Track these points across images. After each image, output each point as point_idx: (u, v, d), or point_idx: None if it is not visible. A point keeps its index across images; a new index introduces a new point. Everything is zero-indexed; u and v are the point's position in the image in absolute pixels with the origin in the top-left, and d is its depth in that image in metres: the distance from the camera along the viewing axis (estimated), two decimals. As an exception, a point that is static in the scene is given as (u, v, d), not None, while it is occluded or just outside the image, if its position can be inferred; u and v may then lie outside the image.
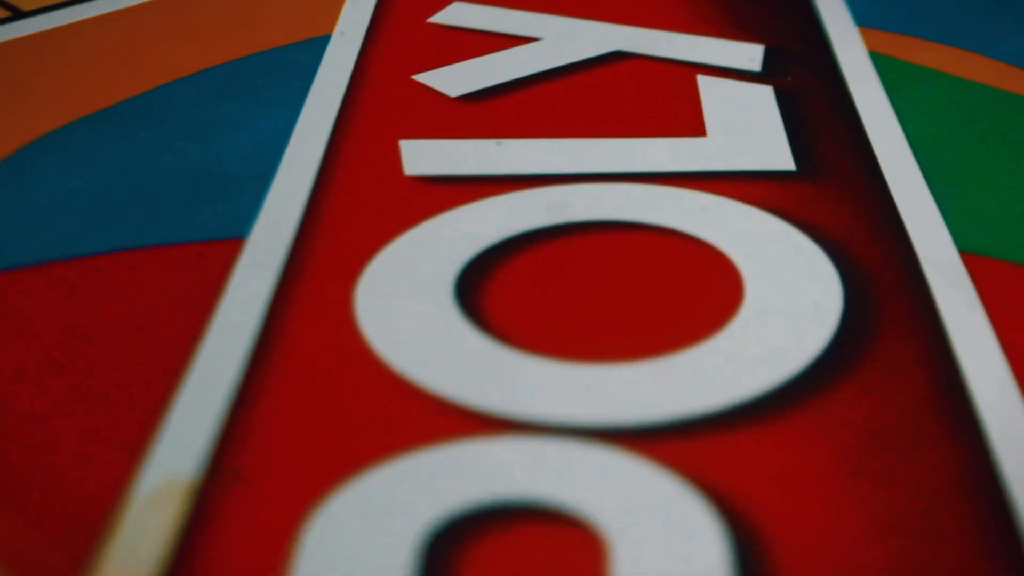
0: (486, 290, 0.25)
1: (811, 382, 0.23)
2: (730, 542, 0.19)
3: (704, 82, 0.32)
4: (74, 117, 0.31)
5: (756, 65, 0.33)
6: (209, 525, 0.19)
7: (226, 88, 0.32)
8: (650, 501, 0.20)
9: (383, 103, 0.31)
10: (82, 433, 0.21)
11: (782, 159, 0.29)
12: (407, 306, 0.24)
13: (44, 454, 0.20)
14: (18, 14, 0.36)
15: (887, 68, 0.33)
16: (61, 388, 0.22)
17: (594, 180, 0.28)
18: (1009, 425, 0.21)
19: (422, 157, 0.29)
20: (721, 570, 0.19)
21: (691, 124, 0.31)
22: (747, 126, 0.30)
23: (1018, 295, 0.25)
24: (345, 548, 0.19)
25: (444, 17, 0.35)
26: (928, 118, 0.30)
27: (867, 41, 0.34)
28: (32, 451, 0.21)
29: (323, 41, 0.34)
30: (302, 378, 0.22)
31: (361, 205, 0.27)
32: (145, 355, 0.23)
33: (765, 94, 0.31)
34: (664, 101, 0.31)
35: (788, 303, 0.24)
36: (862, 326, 0.24)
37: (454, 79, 0.32)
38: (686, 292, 0.25)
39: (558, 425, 0.21)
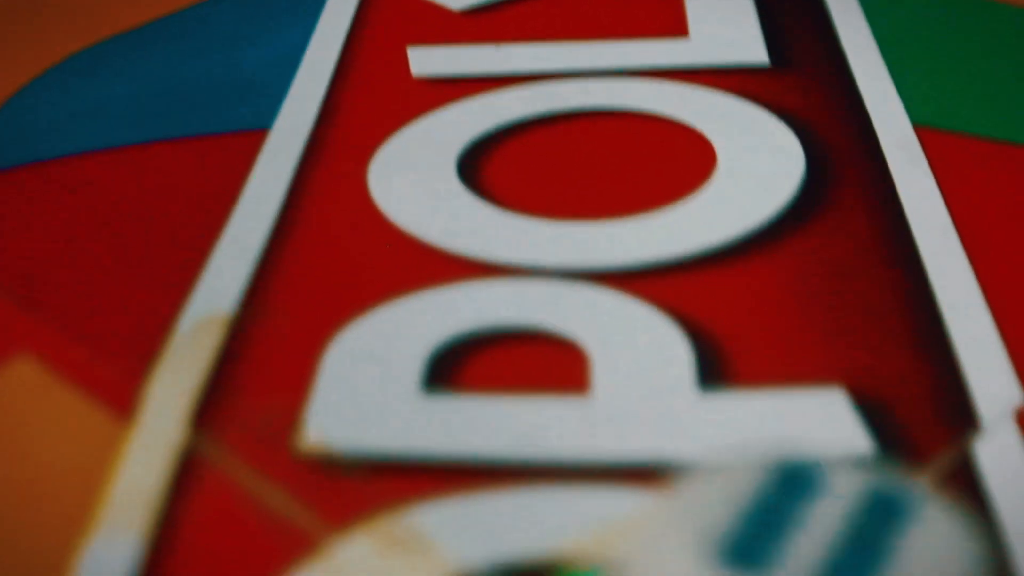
0: (485, 165, 0.28)
1: (774, 230, 0.25)
2: (696, 356, 0.22)
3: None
4: (102, 38, 0.34)
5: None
6: (242, 351, 0.22)
7: (246, 8, 0.35)
8: (627, 325, 0.23)
9: (392, 17, 0.34)
10: (131, 283, 0.24)
11: (757, 54, 0.32)
12: (415, 178, 0.27)
13: (100, 299, 0.24)
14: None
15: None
16: (115, 249, 0.25)
17: (584, 76, 0.31)
18: (946, 257, 0.24)
19: (428, 61, 0.32)
20: (689, 378, 0.22)
21: (675, 27, 0.33)
22: (726, 27, 0.33)
23: (960, 160, 0.28)
24: (361, 367, 0.22)
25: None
26: (892, 9, 0.33)
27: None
28: (90, 296, 0.24)
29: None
30: (322, 236, 0.25)
31: (373, 100, 0.30)
32: (185, 220, 0.26)
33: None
34: (651, 7, 0.34)
35: (755, 169, 0.27)
36: (821, 186, 0.27)
37: (456, -6, 0.35)
38: (665, 163, 0.28)
39: (548, 268, 0.24)
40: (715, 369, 0.22)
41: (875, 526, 0.14)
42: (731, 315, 0.23)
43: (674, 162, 0.28)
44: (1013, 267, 0.25)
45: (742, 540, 0.14)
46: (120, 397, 0.21)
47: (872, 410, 0.21)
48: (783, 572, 0.13)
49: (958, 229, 0.26)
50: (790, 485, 0.14)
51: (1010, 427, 0.21)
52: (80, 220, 0.26)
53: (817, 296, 0.24)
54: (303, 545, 0.18)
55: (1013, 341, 0.23)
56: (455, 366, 0.22)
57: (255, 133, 0.29)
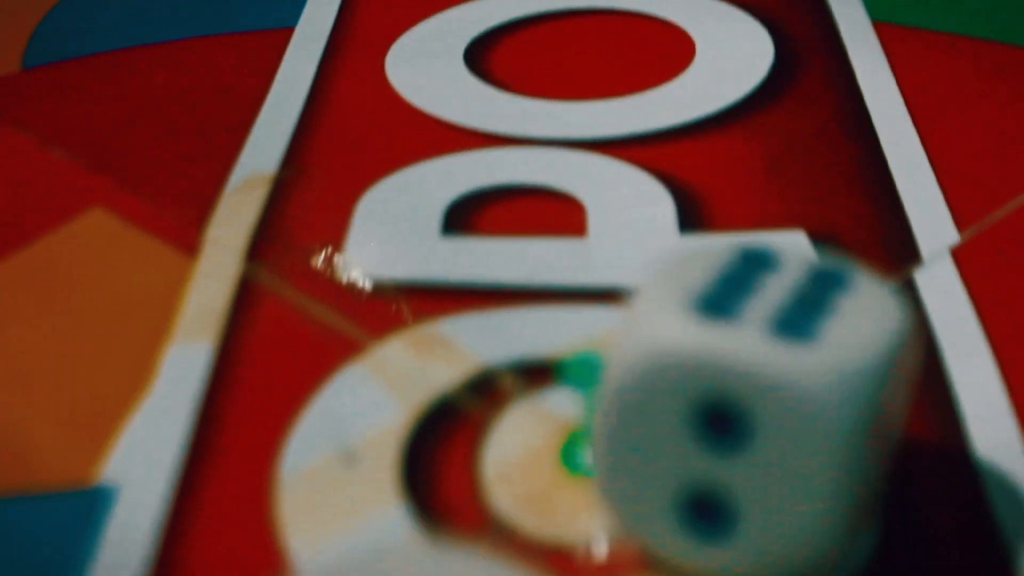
0: (490, 55, 0.31)
1: (745, 107, 0.29)
2: (677, 207, 0.26)
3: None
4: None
5: None
6: (286, 202, 0.26)
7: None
8: (618, 182, 0.27)
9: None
10: (185, 149, 0.27)
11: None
12: (428, 64, 0.30)
13: (158, 163, 0.27)
14: None
15: None
16: (168, 123, 0.28)
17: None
18: (897, 130, 0.28)
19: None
20: (671, 224, 0.25)
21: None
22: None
23: (914, 50, 0.31)
24: (389, 215, 0.25)
25: None
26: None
27: None
28: (149, 161, 0.27)
29: None
30: (348, 113, 0.29)
31: (387, 1, 0.34)
32: (226, 101, 0.29)
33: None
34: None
35: (729, 57, 0.31)
36: (788, 72, 0.30)
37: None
38: (650, 53, 0.31)
39: (546, 139, 0.28)
40: (693, 217, 0.26)
41: (818, 290, 0.18)
42: (708, 175, 0.27)
43: (658, 52, 0.31)
44: (957, 137, 0.28)
45: (714, 297, 0.17)
46: (184, 239, 0.25)
47: (828, 248, 0.25)
48: (745, 320, 0.17)
49: (909, 107, 0.29)
50: (752, 261, 0.18)
51: (946, 261, 0.24)
52: (135, 101, 0.29)
53: (783, 160, 0.27)
54: (350, 349, 0.22)
55: (953, 195, 0.26)
56: (470, 215, 0.26)
57: (282, 31, 0.32)
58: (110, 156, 0.27)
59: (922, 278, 0.24)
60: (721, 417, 0.17)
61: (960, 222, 0.26)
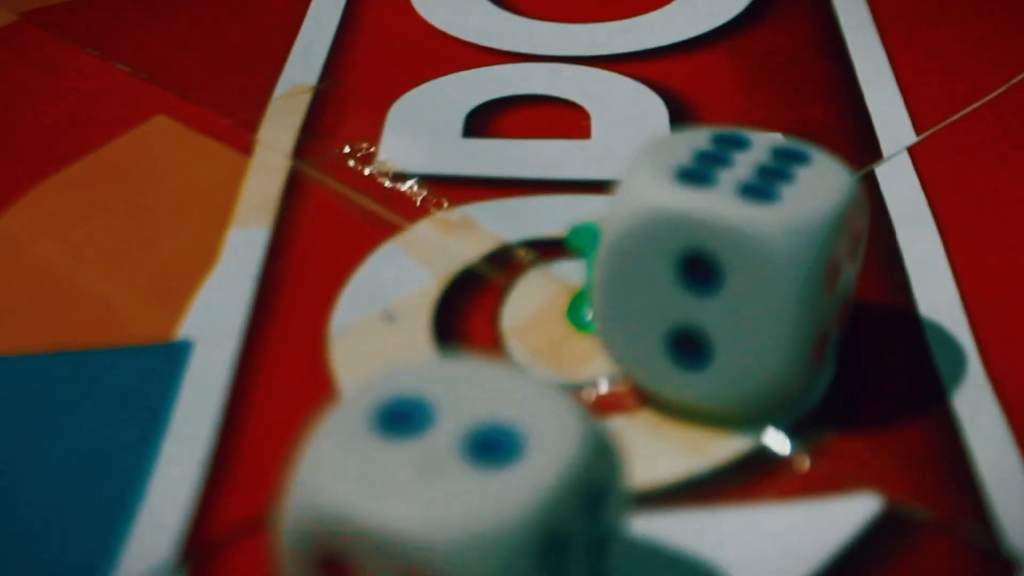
0: (504, -17, 0.35)
1: (730, 29, 0.33)
2: (669, 112, 0.30)
3: None
4: None
5: None
6: (326, 107, 0.29)
7: None
8: (619, 93, 0.30)
9: None
10: (234, 62, 0.31)
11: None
12: (448, -8, 0.34)
13: (211, 74, 0.31)
14: None
15: None
16: (216, 38, 0.32)
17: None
18: (867, 50, 0.31)
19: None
20: (664, 129, 0.29)
21: None
22: None
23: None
24: (416, 119, 0.29)
25: None
26: None
27: None
28: (203, 72, 0.31)
29: None
30: (377, 36, 0.32)
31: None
32: (267, 25, 0.33)
33: None
34: None
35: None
36: (771, 3, 0.34)
37: None
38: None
39: (555, 56, 0.31)
40: (683, 122, 0.29)
41: (780, 163, 0.21)
42: (696, 87, 0.30)
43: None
44: (921, 54, 0.32)
45: (692, 169, 0.21)
46: (239, 140, 0.28)
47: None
48: (717, 186, 0.20)
49: (879, 28, 0.33)
50: (725, 142, 0.22)
51: (904, 157, 0.28)
52: (190, 19, 0.33)
53: (763, 74, 0.31)
54: (386, 229, 0.26)
55: (913, 103, 0.30)
56: (488, 121, 0.29)
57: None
58: (169, 69, 0.31)
59: (881, 171, 0.27)
60: (698, 265, 0.20)
61: (918, 127, 0.29)
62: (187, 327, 0.24)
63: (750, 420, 0.21)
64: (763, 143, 0.21)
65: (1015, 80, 0.30)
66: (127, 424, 0.22)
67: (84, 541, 0.20)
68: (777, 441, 0.21)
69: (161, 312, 0.24)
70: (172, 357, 0.23)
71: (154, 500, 0.20)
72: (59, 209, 0.26)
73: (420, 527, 0.16)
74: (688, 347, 0.21)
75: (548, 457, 0.16)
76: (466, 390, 0.17)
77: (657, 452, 0.21)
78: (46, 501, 0.20)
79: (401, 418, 0.17)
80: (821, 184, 0.21)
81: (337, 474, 0.16)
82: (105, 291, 0.24)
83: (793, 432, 0.21)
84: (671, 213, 0.20)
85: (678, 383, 0.21)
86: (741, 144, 0.21)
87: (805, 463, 0.21)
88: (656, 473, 0.21)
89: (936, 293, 0.24)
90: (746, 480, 0.21)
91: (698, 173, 0.21)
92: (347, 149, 0.28)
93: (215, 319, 0.24)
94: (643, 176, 0.20)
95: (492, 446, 0.17)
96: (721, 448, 0.21)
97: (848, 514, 0.20)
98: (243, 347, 0.23)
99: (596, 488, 0.17)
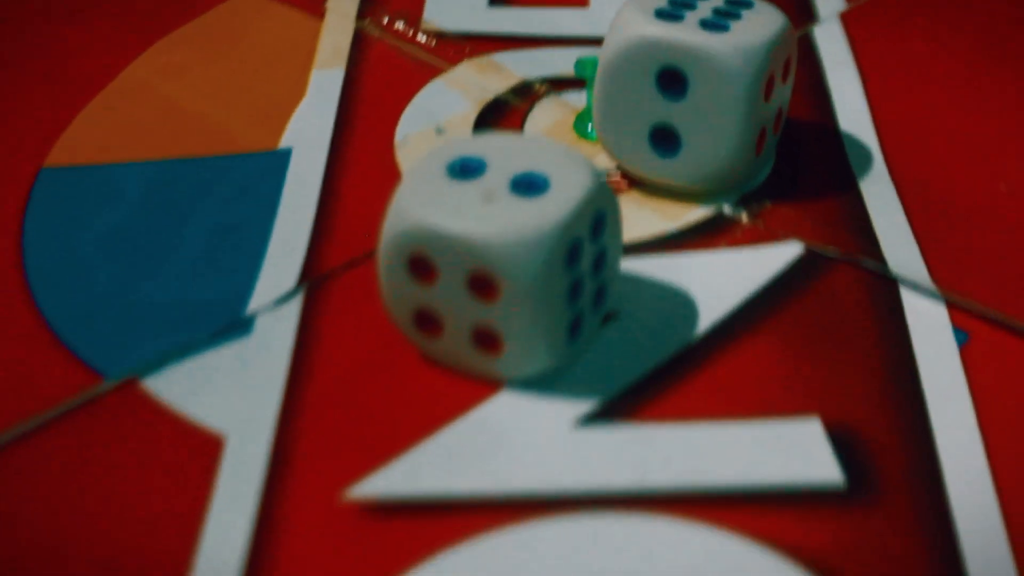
0: None
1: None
2: None
3: None
4: None
5: None
6: (370, 47, 0.37)
7: None
8: (610, -28, 0.38)
9: None
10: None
11: None
12: None
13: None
14: None
15: None
16: None
17: None
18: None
19: None
20: None
21: None
22: None
23: None
24: (451, -5, 0.37)
25: None
26: None
27: None
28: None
29: None
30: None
31: None
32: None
33: None
34: None
35: None
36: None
37: None
38: None
39: None
40: None
41: (733, 8, 0.29)
42: None
43: None
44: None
45: (667, 10, 0.29)
46: (314, 8, 0.36)
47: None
48: (685, 21, 0.28)
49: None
50: None
51: (835, 22, 0.36)
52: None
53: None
54: (433, 71, 0.33)
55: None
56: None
57: None
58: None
59: (818, 30, 0.35)
60: (671, 78, 0.28)
61: (852, -1, 0.37)
62: (286, 139, 0.31)
63: (710, 194, 0.29)
64: None
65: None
66: (250, 206, 0.30)
67: (227, 281, 0.28)
68: (729, 208, 0.29)
69: (266, 129, 0.32)
70: (277, 160, 0.31)
71: (274, 252, 0.28)
72: (175, 60, 0.34)
73: (482, 232, 0.24)
74: (664, 140, 0.29)
75: (568, 191, 0.24)
76: (509, 150, 0.25)
77: (643, 218, 0.29)
78: (195, 256, 0.28)
79: (465, 168, 0.25)
80: (760, 22, 0.28)
81: (424, 201, 0.24)
82: (220, 116, 0.32)
83: (741, 202, 0.29)
84: (651, 39, 0.28)
85: (657, 168, 0.29)
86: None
87: (749, 222, 0.29)
88: (642, 232, 0.29)
89: (853, 111, 0.32)
90: (706, 236, 0.29)
91: (671, 13, 0.28)
92: (401, 12, 0.36)
93: (308, 134, 0.31)
94: (630, 15, 0.28)
95: (529, 185, 0.24)
96: (689, 214, 0.29)
97: (781, 254, 0.28)
98: (329, 154, 0.31)
99: (599, 215, 0.25)
